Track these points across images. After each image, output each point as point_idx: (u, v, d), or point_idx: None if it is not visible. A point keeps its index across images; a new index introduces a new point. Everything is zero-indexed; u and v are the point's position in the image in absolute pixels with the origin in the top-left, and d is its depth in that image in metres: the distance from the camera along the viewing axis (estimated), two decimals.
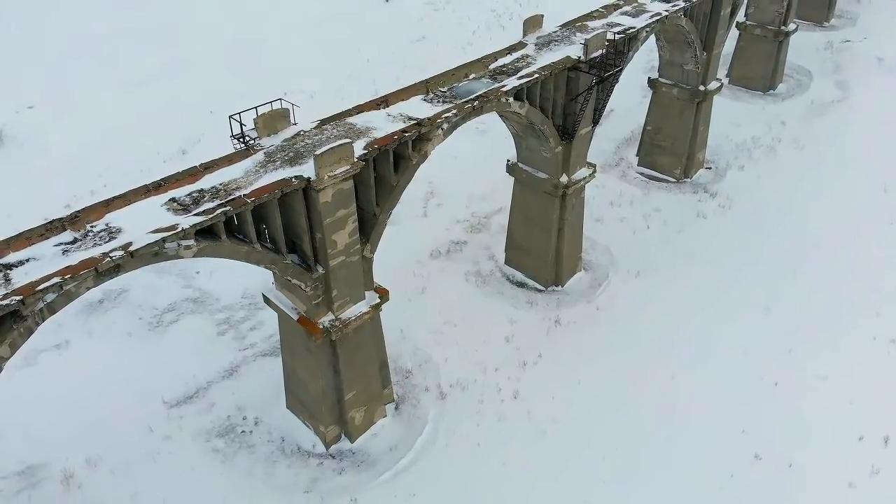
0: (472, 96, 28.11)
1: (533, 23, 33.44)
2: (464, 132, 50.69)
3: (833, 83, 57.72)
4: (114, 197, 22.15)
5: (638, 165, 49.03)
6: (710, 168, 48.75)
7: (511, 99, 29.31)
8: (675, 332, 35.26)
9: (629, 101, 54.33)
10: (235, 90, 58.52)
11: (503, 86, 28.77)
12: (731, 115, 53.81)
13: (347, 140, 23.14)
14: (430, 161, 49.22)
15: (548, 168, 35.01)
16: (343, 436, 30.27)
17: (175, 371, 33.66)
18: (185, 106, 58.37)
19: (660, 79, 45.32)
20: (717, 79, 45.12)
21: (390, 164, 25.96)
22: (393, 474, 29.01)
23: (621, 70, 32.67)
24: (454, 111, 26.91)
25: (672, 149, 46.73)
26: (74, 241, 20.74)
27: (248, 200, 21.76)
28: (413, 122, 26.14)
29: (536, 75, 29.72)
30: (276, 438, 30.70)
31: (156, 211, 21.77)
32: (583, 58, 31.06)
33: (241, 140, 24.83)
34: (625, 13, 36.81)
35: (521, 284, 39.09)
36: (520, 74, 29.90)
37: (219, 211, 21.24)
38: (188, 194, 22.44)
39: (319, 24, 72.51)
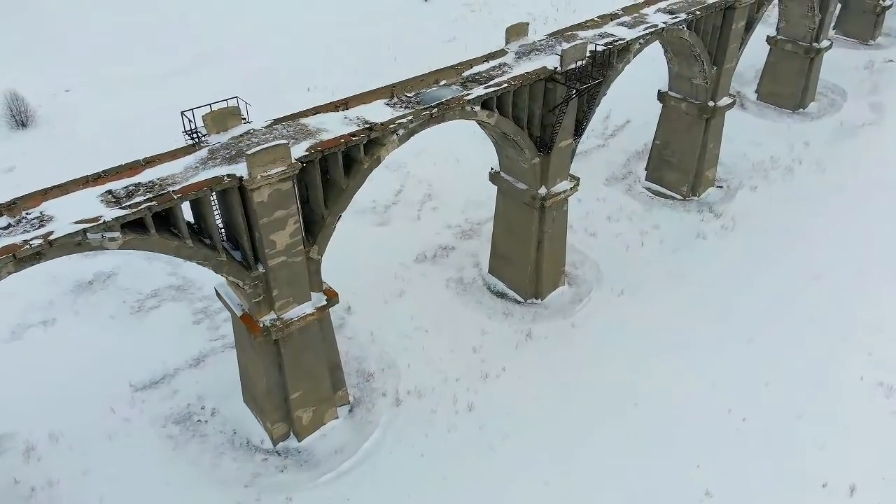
0: (434, 103, 27.73)
1: (516, 30, 32.79)
2: (469, 137, 50.73)
3: (867, 105, 54.57)
4: (52, 186, 22.78)
5: (645, 180, 47.58)
6: (721, 187, 46.86)
7: (478, 108, 28.80)
8: (647, 355, 34.05)
9: (646, 112, 52.45)
10: (263, 83, 59.68)
11: (467, 94, 28.28)
12: (753, 133, 51.69)
13: (283, 141, 23.14)
14: (434, 164, 49.80)
15: (527, 179, 34.31)
16: (291, 434, 30.42)
17: (147, 356, 34.52)
18: (210, 98, 59.62)
19: (669, 92, 43.87)
20: (730, 94, 43.34)
21: (340, 167, 25.88)
22: (333, 477, 29.00)
23: (601, 83, 31.67)
24: (410, 117, 26.61)
25: (679, 165, 45.15)
26: (8, 226, 21.44)
27: (175, 196, 22.04)
28: (365, 126, 25.96)
29: (505, 85, 29.11)
30: (228, 430, 31.11)
31: (90, 202, 22.28)
32: (559, 68, 30.23)
33: (192, 136, 25.19)
34: (622, 23, 35.67)
35: (501, 295, 38.47)
36: (490, 83, 29.34)
37: (143, 206, 21.58)
38: (125, 187, 22.89)
39: (353, 23, 73.07)
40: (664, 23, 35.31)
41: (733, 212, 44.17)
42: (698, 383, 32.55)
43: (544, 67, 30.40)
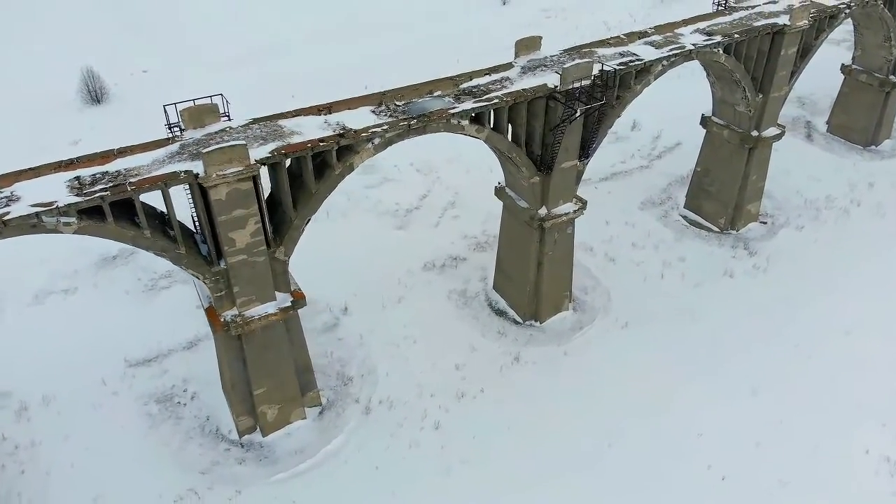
0: (419, 114, 27.20)
1: (525, 44, 31.63)
2: None
3: None
4: (27, 168, 23.95)
5: (683, 208, 44.99)
6: (765, 223, 43.62)
7: (465, 122, 28.03)
8: (636, 395, 32.15)
9: (699, 135, 49.69)
10: (322, 76, 60.91)
11: (453, 107, 27.57)
12: (815, 167, 47.85)
13: (241, 142, 23.32)
14: (467, 172, 48.91)
15: (527, 197, 33.18)
16: (258, 428, 30.83)
17: (147, 334, 35.94)
18: (272, 87, 61.33)
19: (712, 117, 41.22)
20: (779, 125, 40.16)
21: (310, 171, 25.86)
22: (287, 476, 29.15)
23: (605, 104, 30.07)
24: (386, 126, 26.23)
25: (718, 195, 42.37)
26: None
27: (129, 188, 22.68)
28: (338, 132, 25.79)
29: (496, 100, 28.18)
30: (202, 416, 31.90)
31: (57, 186, 23.27)
32: (558, 87, 28.94)
33: (171, 130, 25.86)
34: (650, 43, 33.74)
35: (500, 313, 37.43)
36: (482, 97, 28.48)
37: (97, 194, 22.34)
38: (92, 175, 23.77)
39: (420, 21, 73.21)
40: (694, 45, 33.13)
41: (770, 251, 40.99)
42: (683, 433, 30.44)
43: (544, 85, 29.20)
